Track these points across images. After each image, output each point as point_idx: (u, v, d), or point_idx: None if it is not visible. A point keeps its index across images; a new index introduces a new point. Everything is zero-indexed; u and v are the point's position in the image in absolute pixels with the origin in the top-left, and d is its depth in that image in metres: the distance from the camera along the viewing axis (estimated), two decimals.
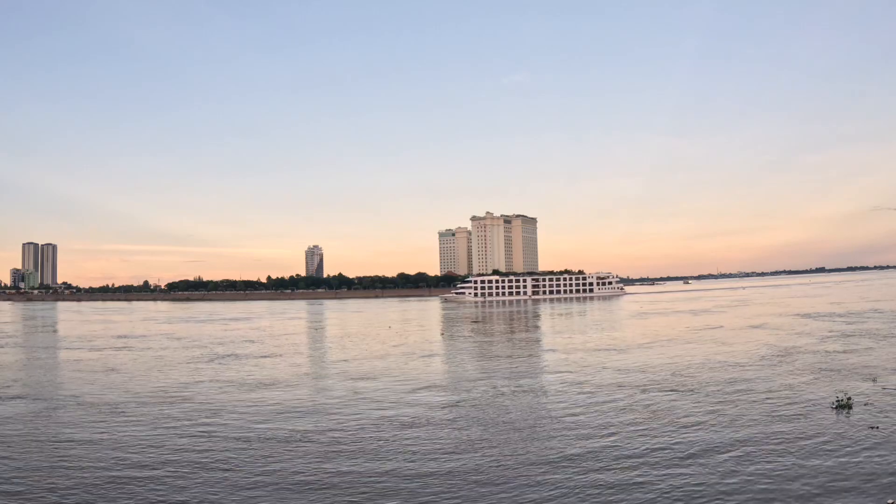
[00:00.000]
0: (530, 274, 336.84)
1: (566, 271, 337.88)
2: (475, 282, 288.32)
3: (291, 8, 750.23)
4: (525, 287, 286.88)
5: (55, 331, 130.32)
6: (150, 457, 30.00)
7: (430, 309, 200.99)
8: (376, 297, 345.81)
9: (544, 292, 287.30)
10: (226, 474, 27.16)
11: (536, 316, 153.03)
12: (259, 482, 26.16)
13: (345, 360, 66.64)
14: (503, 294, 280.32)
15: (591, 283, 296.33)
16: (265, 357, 71.75)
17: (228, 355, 73.86)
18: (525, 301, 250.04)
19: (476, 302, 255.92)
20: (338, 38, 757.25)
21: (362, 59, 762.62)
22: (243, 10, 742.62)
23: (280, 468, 27.96)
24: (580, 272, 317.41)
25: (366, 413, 39.07)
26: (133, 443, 32.68)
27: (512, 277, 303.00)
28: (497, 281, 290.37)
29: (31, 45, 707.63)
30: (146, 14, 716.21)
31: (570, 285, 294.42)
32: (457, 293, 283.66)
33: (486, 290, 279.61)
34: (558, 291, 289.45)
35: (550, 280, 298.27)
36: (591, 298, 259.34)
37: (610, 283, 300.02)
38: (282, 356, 72.59)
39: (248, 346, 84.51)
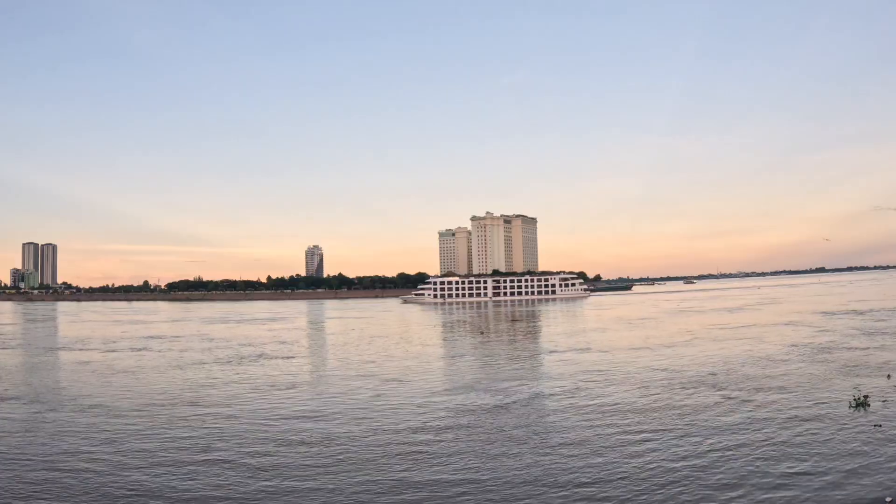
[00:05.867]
0: (491, 275, 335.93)
1: (528, 272, 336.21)
2: (435, 283, 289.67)
3: (291, 8, 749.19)
4: (485, 289, 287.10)
5: (91, 333, 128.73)
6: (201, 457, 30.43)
7: (430, 309, 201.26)
8: (376, 297, 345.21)
9: (505, 294, 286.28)
10: (247, 480, 27.13)
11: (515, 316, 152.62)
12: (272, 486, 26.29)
13: (406, 359, 67.86)
14: (463, 296, 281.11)
15: (553, 285, 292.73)
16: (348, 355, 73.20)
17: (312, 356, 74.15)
18: (485, 303, 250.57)
19: (435, 303, 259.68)
20: (338, 39, 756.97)
21: (362, 59, 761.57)
22: (243, 11, 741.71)
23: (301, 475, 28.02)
24: (543, 273, 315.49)
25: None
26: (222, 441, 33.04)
27: (472, 279, 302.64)
28: (457, 282, 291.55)
29: (31, 45, 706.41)
30: (146, 14, 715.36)
31: (532, 287, 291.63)
32: (416, 294, 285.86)
33: (446, 292, 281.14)
34: (519, 293, 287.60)
35: (512, 282, 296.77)
36: (554, 300, 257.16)
37: (573, 284, 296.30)
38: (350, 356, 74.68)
39: (320, 347, 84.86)
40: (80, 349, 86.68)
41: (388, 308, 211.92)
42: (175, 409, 41.88)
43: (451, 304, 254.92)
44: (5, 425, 38.09)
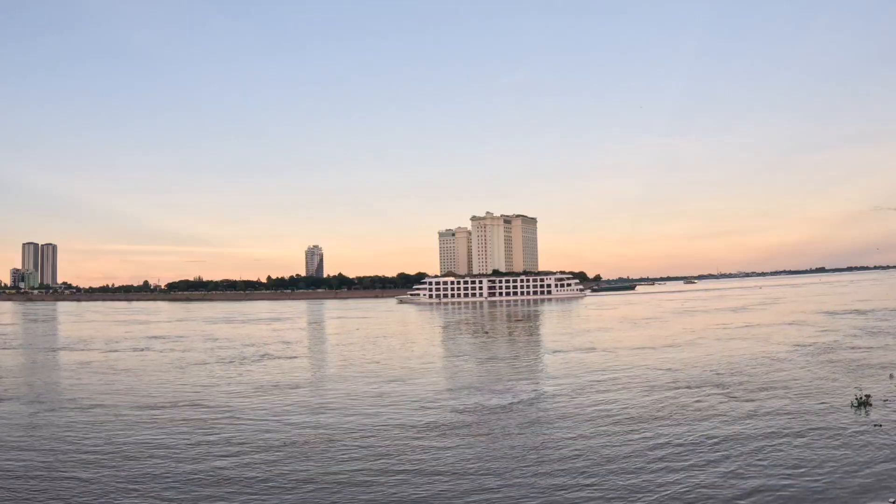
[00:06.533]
0: (487, 276, 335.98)
1: (525, 272, 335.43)
2: (430, 283, 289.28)
3: (291, 8, 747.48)
4: (481, 289, 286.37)
5: (93, 333, 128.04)
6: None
7: (427, 310, 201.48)
8: (376, 297, 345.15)
9: (501, 294, 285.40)
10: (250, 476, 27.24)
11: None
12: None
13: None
14: (458, 296, 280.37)
15: (548, 285, 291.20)
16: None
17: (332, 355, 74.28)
18: (481, 303, 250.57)
19: (431, 303, 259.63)
20: (338, 39, 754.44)
21: (362, 59, 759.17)
22: (243, 11, 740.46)
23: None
24: (539, 273, 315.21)
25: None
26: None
27: (468, 279, 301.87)
28: (452, 282, 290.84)
29: (31, 45, 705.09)
30: (146, 14, 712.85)
31: (528, 287, 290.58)
32: (412, 294, 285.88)
33: (442, 292, 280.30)
34: (515, 293, 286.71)
35: (507, 282, 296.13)
36: (550, 300, 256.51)
37: (569, 285, 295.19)
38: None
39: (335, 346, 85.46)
40: (82, 349, 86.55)
41: (389, 308, 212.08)
42: (177, 410, 41.77)
43: (446, 304, 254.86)
44: (5, 425, 38.00)
